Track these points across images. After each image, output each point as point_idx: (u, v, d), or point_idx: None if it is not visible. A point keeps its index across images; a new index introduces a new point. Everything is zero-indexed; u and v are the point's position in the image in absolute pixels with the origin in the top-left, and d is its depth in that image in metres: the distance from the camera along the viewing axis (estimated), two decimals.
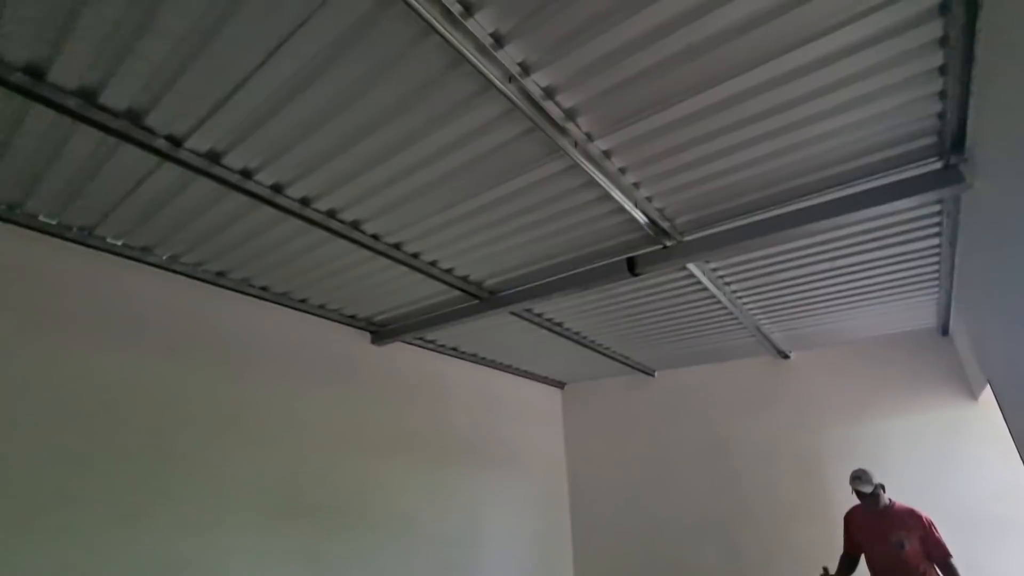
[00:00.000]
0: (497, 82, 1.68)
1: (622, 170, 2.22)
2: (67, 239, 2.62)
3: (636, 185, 2.33)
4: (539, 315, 3.93)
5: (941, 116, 1.92)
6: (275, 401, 3.35)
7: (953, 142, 2.00)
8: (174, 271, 3.00)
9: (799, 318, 4.03)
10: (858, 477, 3.42)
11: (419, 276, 3.17)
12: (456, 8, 1.49)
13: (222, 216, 2.50)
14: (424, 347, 4.59)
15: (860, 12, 1.51)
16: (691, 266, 3.04)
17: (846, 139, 2.06)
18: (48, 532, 2.31)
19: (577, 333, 4.37)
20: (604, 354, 4.89)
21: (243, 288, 3.29)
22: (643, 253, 2.85)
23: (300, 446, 3.41)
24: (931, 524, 3.27)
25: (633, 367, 5.48)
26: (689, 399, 5.53)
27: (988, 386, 3.50)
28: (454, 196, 2.40)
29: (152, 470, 2.68)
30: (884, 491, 3.46)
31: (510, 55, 1.67)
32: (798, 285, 3.42)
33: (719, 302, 3.61)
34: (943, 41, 1.60)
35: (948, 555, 3.15)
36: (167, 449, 2.77)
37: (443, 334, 4.34)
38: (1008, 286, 2.20)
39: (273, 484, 3.20)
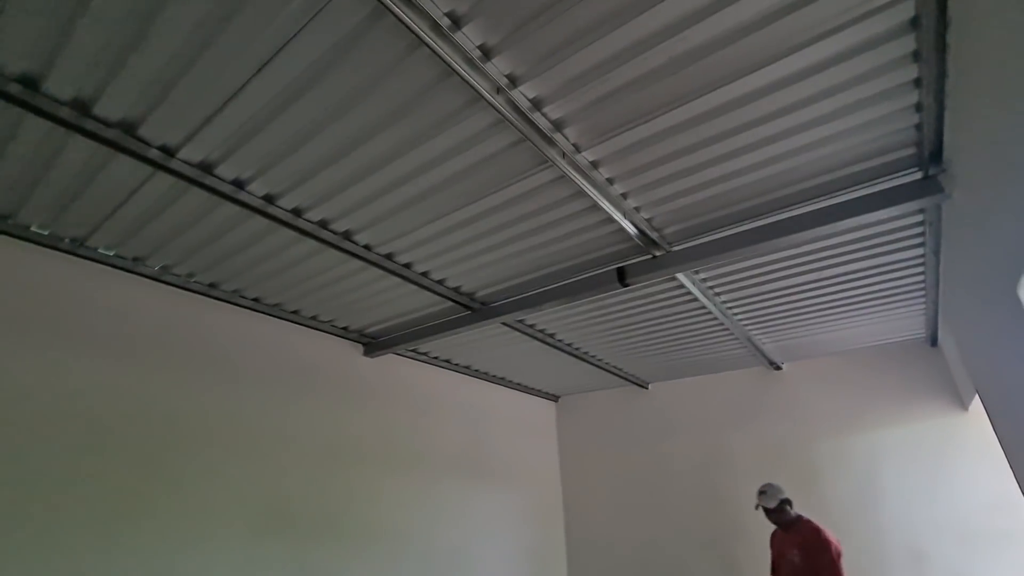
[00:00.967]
0: (486, 94, 1.72)
1: (610, 180, 2.26)
2: (59, 250, 2.63)
3: (624, 196, 2.37)
4: (531, 326, 3.95)
5: (919, 128, 1.97)
6: (266, 413, 3.33)
7: (931, 153, 2.05)
8: (166, 282, 3.01)
9: (789, 328, 4.06)
10: (763, 492, 3.41)
11: (411, 287, 3.18)
12: (444, 21, 1.53)
13: (215, 227, 2.52)
14: (417, 359, 4.59)
15: (835, 27, 1.56)
16: (681, 276, 3.08)
17: (828, 150, 2.10)
18: (29, 543, 2.27)
19: (570, 345, 4.39)
20: (597, 366, 4.90)
21: (235, 299, 3.29)
22: (633, 263, 2.88)
23: (290, 459, 3.38)
24: (828, 548, 3.15)
25: (627, 379, 5.48)
26: (683, 411, 5.52)
27: (977, 396, 3.53)
28: (445, 206, 2.43)
29: (138, 481, 2.66)
30: (791, 506, 3.44)
31: (498, 67, 1.71)
32: (787, 296, 3.46)
33: (710, 313, 3.64)
34: (916, 55, 1.65)
35: None
36: (155, 460, 2.74)
37: (436, 346, 4.35)
38: (991, 296, 2.24)
39: (261, 497, 3.16)
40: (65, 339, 2.59)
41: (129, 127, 1.92)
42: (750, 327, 4.01)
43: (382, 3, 1.43)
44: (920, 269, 3.08)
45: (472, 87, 1.69)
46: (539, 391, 6.09)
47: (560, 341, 4.28)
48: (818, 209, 2.41)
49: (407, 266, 2.97)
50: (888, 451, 4.38)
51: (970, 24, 1.46)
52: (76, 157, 2.03)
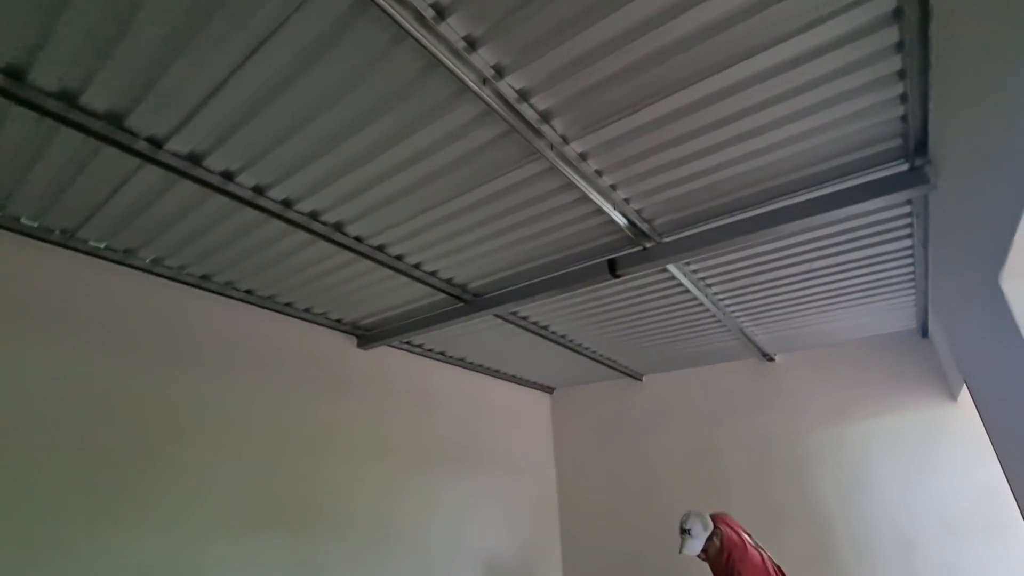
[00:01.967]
0: (472, 85, 1.73)
1: (599, 172, 2.27)
2: (50, 241, 2.63)
3: (613, 187, 2.38)
4: (524, 318, 3.96)
5: (904, 119, 1.98)
6: (259, 405, 3.35)
7: (917, 144, 2.06)
8: (158, 274, 3.01)
9: (781, 320, 4.09)
10: (686, 531, 3.09)
11: (404, 279, 3.19)
12: (429, 12, 1.53)
13: (205, 218, 2.52)
14: (411, 351, 4.61)
15: (818, 17, 1.56)
16: (672, 268, 3.09)
17: (816, 141, 2.11)
18: (18, 533, 2.29)
19: (563, 336, 4.41)
20: (592, 358, 4.92)
21: (228, 292, 3.30)
22: (624, 255, 2.89)
23: (283, 451, 3.40)
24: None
25: (621, 371, 5.51)
26: (677, 403, 5.56)
27: (966, 386, 3.56)
28: (436, 198, 2.44)
29: (129, 473, 2.67)
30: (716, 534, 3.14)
31: (484, 58, 1.71)
32: (778, 287, 3.48)
33: (702, 304, 3.66)
34: (899, 46, 1.66)
35: None
36: (145, 452, 2.76)
37: (430, 338, 4.36)
38: (975, 286, 2.26)
39: (254, 489, 3.18)
40: (55, 331, 2.59)
41: (116, 118, 1.91)
42: (742, 318, 4.03)
43: None
44: (909, 260, 3.10)
45: (458, 78, 1.69)
46: (534, 383, 6.12)
47: (554, 333, 4.30)
48: (806, 200, 2.42)
49: (399, 258, 2.98)
50: (878, 441, 4.42)
51: (952, 15, 1.46)
52: (64, 149, 2.03)
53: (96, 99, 1.82)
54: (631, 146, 2.11)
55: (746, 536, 3.00)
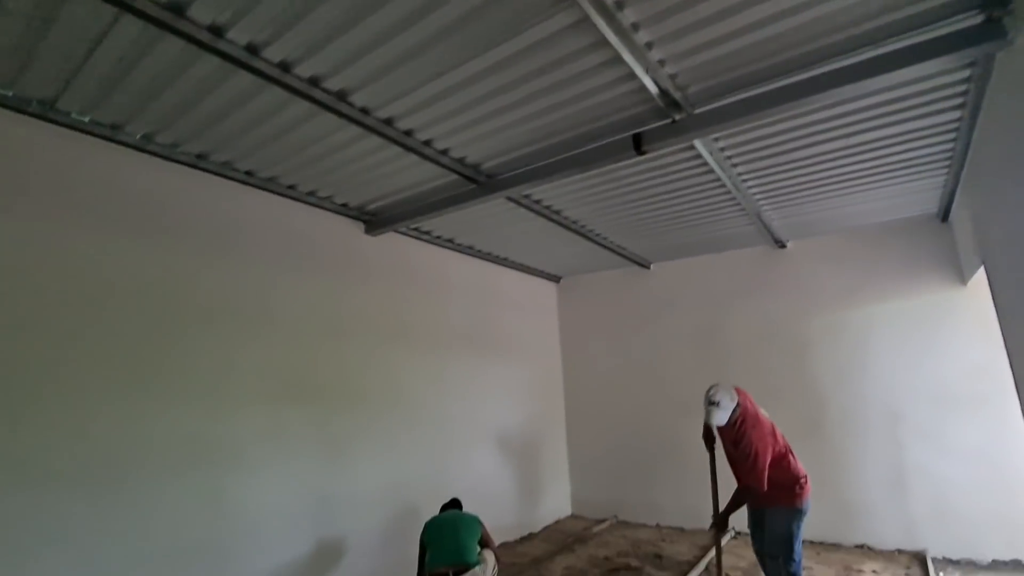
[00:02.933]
0: None
1: (635, 26, 2.01)
2: (27, 113, 2.41)
3: (649, 45, 2.13)
4: (537, 202, 3.83)
5: None
6: (268, 289, 3.33)
7: None
8: (151, 152, 2.82)
9: (801, 203, 3.97)
10: (714, 403, 3.02)
11: (414, 158, 3.01)
12: None
13: (194, 84, 2.28)
14: (420, 238, 4.53)
15: None
16: (698, 144, 2.91)
17: None
18: (49, 410, 2.37)
19: (575, 222, 4.30)
20: (601, 244, 4.86)
21: (226, 172, 3.12)
22: (650, 129, 2.69)
23: (299, 333, 3.45)
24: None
25: (629, 259, 5.49)
26: (684, 290, 5.62)
27: (980, 270, 3.55)
28: (448, 59, 2.19)
29: (144, 352, 2.69)
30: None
31: None
32: (804, 167, 3.31)
33: (723, 185, 3.51)
34: None
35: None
36: (158, 333, 2.76)
37: (439, 224, 4.26)
38: None
39: (277, 368, 3.28)
40: (90, 218, 2.56)
41: None
42: (762, 201, 3.91)
43: None
44: (952, 136, 2.92)
45: None
46: (541, 272, 6.13)
47: (566, 218, 4.19)
48: (856, 62, 2.19)
49: (408, 134, 2.77)
50: (881, 325, 4.53)
51: None
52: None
53: None
54: None
55: (759, 407, 3.19)
